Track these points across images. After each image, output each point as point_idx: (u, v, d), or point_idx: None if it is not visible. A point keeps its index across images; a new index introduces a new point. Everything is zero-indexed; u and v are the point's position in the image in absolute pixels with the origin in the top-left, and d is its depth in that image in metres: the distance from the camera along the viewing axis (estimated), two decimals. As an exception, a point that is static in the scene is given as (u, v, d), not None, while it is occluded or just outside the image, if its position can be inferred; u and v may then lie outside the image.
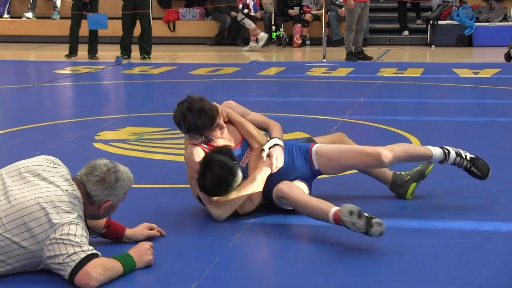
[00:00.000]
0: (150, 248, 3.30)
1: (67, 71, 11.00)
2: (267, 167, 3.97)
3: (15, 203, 3.11)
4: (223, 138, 4.04)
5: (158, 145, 5.81)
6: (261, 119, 4.26)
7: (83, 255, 3.06)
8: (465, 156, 4.10)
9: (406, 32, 14.64)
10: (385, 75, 10.02)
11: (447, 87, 9.12)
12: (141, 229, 3.60)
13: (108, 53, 12.76)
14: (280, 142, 4.06)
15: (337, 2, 14.26)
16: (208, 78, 10.00)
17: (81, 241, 3.07)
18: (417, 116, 7.12)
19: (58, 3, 16.28)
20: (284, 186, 3.81)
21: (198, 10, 15.65)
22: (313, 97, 8.72)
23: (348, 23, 11.64)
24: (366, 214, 3.42)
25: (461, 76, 9.87)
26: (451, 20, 14.00)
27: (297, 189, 3.82)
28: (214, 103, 4.05)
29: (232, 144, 4.07)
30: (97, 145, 5.80)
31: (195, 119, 3.85)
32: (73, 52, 12.43)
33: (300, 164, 4.08)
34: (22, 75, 11.29)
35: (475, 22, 13.88)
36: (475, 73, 10.08)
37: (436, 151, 4.09)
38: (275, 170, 3.96)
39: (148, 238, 3.56)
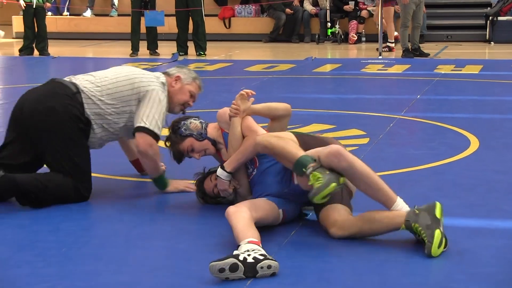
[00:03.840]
0: (189, 186, 4.33)
1: (125, 67, 11.14)
2: None
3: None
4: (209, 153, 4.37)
5: (213, 141, 5.81)
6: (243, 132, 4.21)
7: (157, 129, 4.17)
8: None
9: None
10: (443, 72, 9.88)
11: (506, 84, 8.94)
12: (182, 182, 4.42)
13: (164, 50, 12.90)
14: (221, 175, 3.97)
15: (394, -2, 14.12)
16: (263, 74, 10.01)
17: (163, 119, 4.25)
18: (476, 114, 6.99)
19: (116, 0, 16.53)
20: (230, 209, 3.50)
21: (253, 7, 15.69)
22: (368, 94, 8.65)
23: (402, 19, 11.52)
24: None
25: (521, 73, 9.69)
26: (511, 16, 13.73)
27: (241, 213, 3.45)
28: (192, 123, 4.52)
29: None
30: (153, 140, 5.85)
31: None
32: (135, 49, 12.61)
33: (271, 180, 3.82)
34: (81, 72, 11.42)
35: (536, 18, 13.62)
36: (536, 70, 9.88)
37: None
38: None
39: None
